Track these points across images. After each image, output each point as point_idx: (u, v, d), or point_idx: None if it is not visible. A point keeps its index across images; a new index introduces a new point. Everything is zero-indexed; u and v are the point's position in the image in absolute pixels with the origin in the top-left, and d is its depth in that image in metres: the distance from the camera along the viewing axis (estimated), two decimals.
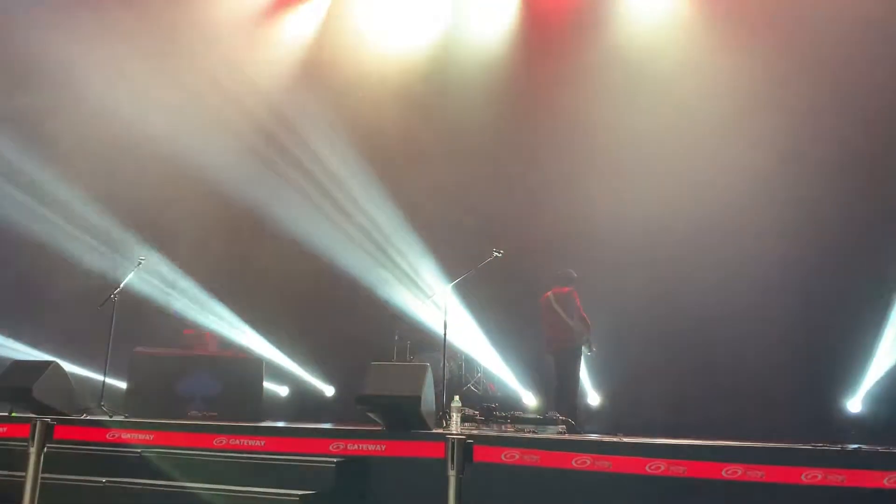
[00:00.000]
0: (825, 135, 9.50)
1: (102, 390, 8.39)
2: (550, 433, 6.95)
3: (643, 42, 10.91)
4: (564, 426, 7.03)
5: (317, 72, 12.11)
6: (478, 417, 7.82)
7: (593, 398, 9.78)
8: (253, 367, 10.06)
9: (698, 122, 10.49)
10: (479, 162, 11.46)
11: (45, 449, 4.27)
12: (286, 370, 11.06)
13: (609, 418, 9.54)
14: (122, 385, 9.55)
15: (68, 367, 8.05)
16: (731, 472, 3.53)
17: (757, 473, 3.53)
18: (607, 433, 8.04)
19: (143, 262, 9.01)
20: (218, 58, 11.76)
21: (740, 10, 10.48)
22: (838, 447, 5.33)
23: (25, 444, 4.36)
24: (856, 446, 5.98)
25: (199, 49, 11.65)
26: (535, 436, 6.45)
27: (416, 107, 11.59)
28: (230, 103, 11.52)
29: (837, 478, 3.44)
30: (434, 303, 8.73)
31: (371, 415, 6.09)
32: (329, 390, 11.16)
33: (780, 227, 10.01)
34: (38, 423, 4.24)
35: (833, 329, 9.10)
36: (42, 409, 7.22)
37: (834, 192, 9.33)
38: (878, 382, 8.70)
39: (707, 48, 10.43)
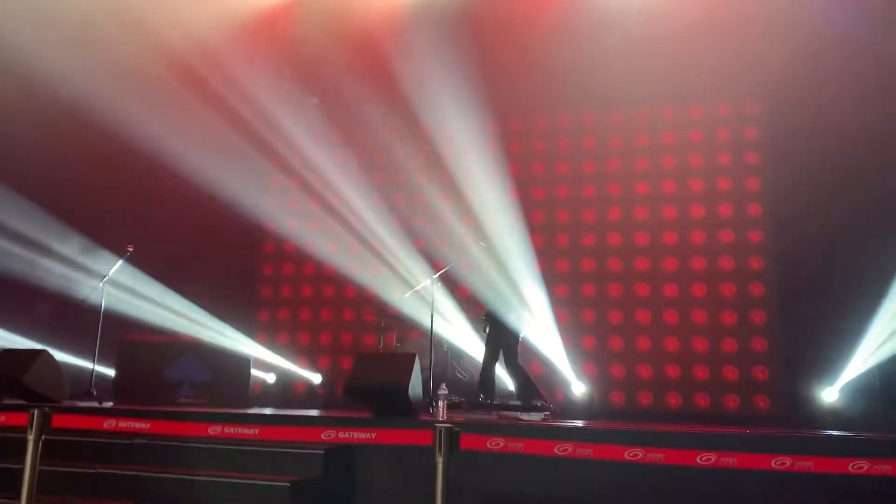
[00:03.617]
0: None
1: (92, 378, 8.47)
2: (534, 418, 7.11)
3: None
4: (548, 412, 7.20)
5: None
6: (464, 405, 8.00)
7: (577, 387, 9.97)
8: (241, 356, 10.14)
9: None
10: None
11: (43, 437, 4.38)
12: (270, 362, 11.15)
13: (591, 405, 9.78)
14: (111, 372, 9.61)
15: (57, 355, 8.11)
16: (706, 458, 3.69)
17: (730, 460, 3.70)
18: (589, 420, 8.26)
19: (130, 251, 9.05)
20: None
21: None
22: (809, 433, 5.54)
23: (21, 433, 4.48)
24: (827, 433, 6.21)
25: None
26: (520, 422, 6.64)
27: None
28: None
29: (805, 464, 3.61)
30: (421, 293, 8.90)
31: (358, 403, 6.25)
32: (316, 378, 11.28)
33: (765, 214, 10.26)
34: (37, 412, 4.35)
35: (817, 317, 9.24)
36: (33, 397, 7.32)
37: (824, 179, 9.33)
38: (859, 375, 8.78)
39: None
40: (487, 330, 8.37)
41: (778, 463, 3.58)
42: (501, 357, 8.27)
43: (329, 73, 11.01)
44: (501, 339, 8.24)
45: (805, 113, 9.49)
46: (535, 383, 8.10)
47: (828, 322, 9.07)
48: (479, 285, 8.70)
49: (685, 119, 10.91)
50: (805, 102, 9.42)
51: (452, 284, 9.68)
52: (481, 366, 8.39)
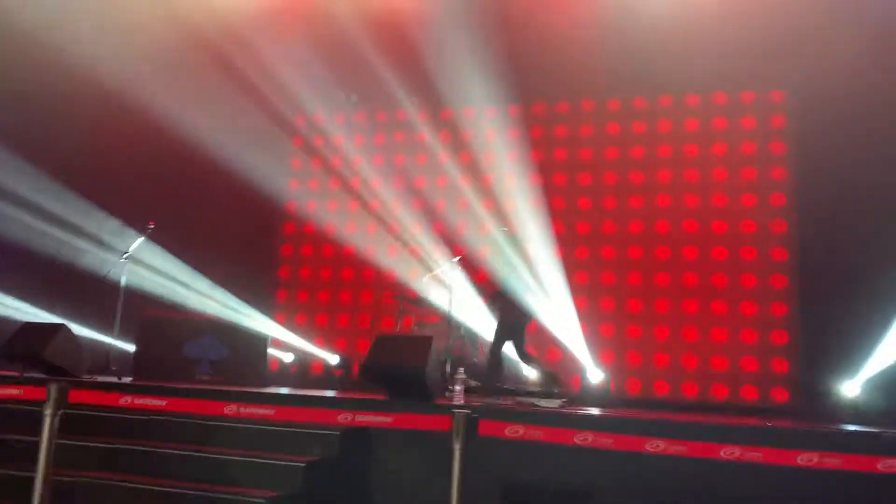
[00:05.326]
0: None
1: (110, 353, 8.51)
2: (552, 405, 7.06)
3: None
4: (566, 398, 7.14)
5: None
6: (480, 389, 7.96)
7: (594, 374, 9.89)
8: (258, 335, 10.14)
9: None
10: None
11: (61, 412, 4.38)
12: (288, 342, 11.17)
13: (607, 393, 9.69)
14: (132, 348, 9.66)
15: (77, 330, 8.16)
16: (730, 452, 3.63)
17: (755, 455, 3.64)
18: (609, 408, 8.19)
19: (151, 229, 9.05)
20: None
21: None
22: (834, 428, 5.45)
23: (39, 407, 4.48)
24: (853, 429, 6.10)
25: None
26: (538, 409, 6.59)
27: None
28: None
29: (833, 461, 3.53)
30: (439, 277, 8.86)
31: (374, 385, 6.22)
32: (333, 359, 11.27)
33: (789, 204, 10.09)
34: (54, 387, 4.35)
35: (840, 310, 9.07)
36: (52, 371, 7.36)
37: (851, 169, 9.16)
38: (882, 370, 8.59)
39: None
40: (497, 312, 8.36)
41: (804, 460, 3.51)
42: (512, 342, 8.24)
43: (355, 54, 10.94)
44: (509, 323, 8.21)
45: (836, 101, 9.30)
46: (553, 370, 8.04)
47: (850, 315, 8.90)
48: (496, 269, 8.63)
49: (710, 106, 10.73)
50: (836, 90, 9.23)
51: (471, 268, 9.61)
52: (489, 348, 8.37)
